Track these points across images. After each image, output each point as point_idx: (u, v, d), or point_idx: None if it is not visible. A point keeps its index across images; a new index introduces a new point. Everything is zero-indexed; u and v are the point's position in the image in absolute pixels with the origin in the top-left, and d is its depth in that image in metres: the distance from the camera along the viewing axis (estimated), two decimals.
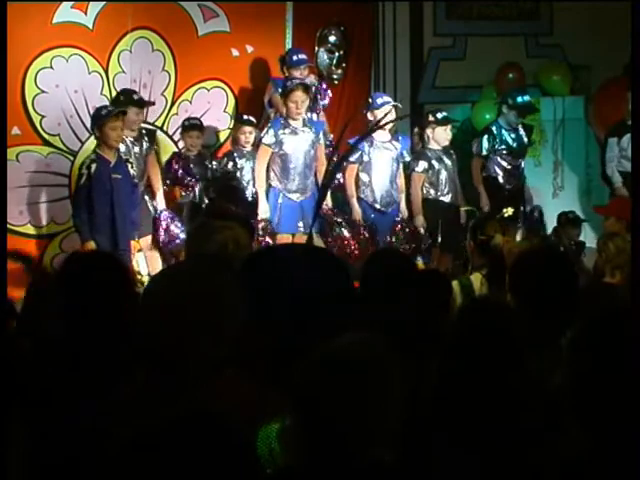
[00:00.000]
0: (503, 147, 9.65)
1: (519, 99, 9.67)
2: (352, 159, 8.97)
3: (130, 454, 2.12)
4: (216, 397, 2.49)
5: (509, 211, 9.01)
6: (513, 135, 9.73)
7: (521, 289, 3.84)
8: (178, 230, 8.54)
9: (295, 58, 9.27)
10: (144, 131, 8.87)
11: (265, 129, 8.87)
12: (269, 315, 2.94)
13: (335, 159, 8.36)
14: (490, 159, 9.65)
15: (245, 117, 9.20)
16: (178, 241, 8.40)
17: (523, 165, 9.90)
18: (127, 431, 2.25)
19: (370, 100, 9.27)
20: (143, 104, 8.68)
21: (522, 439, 2.91)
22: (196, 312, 2.57)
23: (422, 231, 9.09)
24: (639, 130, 4.99)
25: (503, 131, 9.70)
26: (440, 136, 9.25)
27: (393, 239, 8.93)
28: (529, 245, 6.28)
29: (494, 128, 9.70)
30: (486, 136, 9.64)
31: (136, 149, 8.66)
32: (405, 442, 2.57)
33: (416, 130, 9.65)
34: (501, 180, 9.71)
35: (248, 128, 9.07)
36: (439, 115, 9.28)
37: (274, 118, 9.04)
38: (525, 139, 9.85)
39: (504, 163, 9.70)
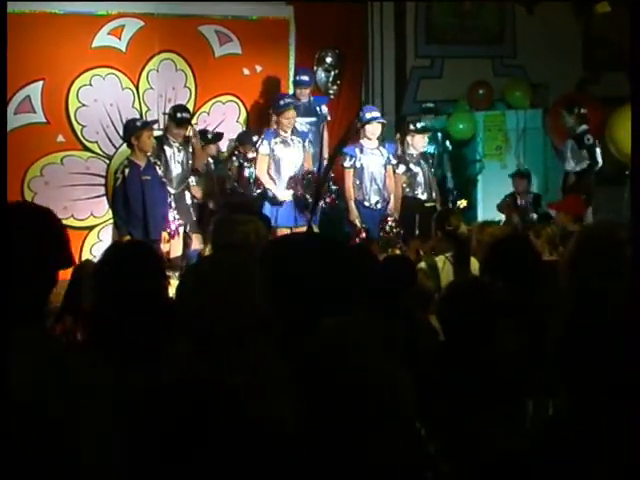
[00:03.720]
0: None
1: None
2: (347, 165, 9.05)
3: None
4: (242, 368, 2.49)
5: (463, 203, 9.13)
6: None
7: (498, 267, 3.92)
8: None
9: (305, 78, 9.43)
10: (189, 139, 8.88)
11: (259, 140, 8.84)
12: (283, 298, 2.92)
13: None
14: None
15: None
16: None
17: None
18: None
19: (361, 112, 9.32)
20: (181, 122, 8.59)
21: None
22: (234, 294, 2.59)
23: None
24: (638, 130, 4.93)
25: None
26: (418, 143, 9.31)
27: (381, 233, 8.99)
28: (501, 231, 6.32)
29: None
30: None
31: (180, 154, 8.75)
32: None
33: (397, 137, 9.63)
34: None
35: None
36: (418, 125, 9.30)
37: (266, 130, 8.97)
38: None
39: None
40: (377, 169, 9.08)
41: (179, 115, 8.66)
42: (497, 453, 2.65)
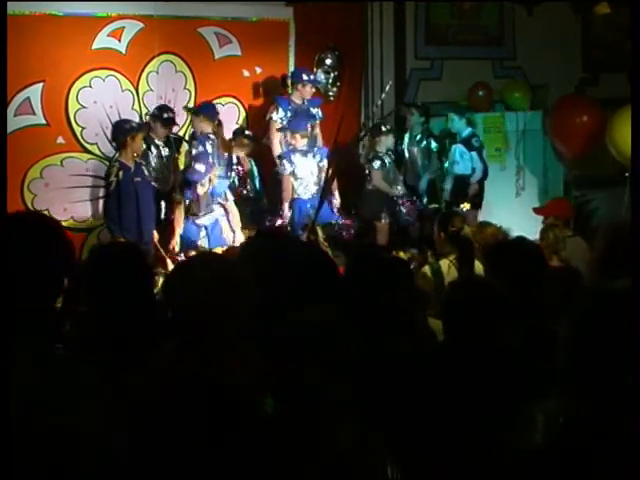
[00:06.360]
0: None
1: None
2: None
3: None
4: (230, 369, 2.53)
5: (467, 205, 9.14)
6: None
7: (501, 269, 3.89)
8: None
9: (305, 77, 9.44)
10: (172, 139, 9.01)
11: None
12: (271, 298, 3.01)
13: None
14: None
15: (247, 132, 9.31)
16: None
17: None
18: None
19: None
20: (168, 122, 8.84)
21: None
22: (222, 298, 2.61)
23: None
24: (638, 131, 4.90)
25: None
26: (387, 142, 9.55)
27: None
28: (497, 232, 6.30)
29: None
30: None
31: (165, 152, 8.80)
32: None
33: (367, 137, 9.87)
34: None
35: (246, 141, 9.16)
36: (383, 128, 9.64)
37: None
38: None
39: None
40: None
41: (165, 115, 8.81)
42: (499, 453, 2.65)
